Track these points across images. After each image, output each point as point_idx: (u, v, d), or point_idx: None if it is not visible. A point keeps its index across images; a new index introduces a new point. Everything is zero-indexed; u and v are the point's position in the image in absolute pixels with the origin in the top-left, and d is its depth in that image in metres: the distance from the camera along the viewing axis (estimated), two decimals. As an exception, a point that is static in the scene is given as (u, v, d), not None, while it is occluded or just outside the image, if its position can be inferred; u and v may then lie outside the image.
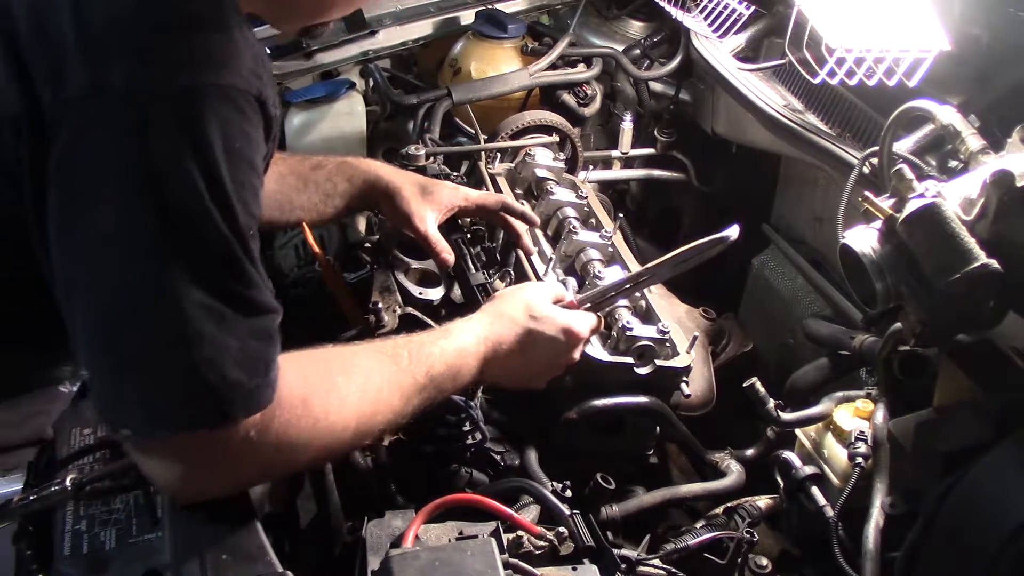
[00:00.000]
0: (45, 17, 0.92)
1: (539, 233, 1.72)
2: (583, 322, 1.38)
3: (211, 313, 0.93)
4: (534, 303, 1.35)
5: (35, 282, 1.00)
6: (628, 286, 1.44)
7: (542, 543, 1.10)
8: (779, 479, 1.45)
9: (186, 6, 0.93)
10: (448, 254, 1.58)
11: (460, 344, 1.25)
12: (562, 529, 1.12)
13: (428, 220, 1.58)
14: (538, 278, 1.58)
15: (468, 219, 1.75)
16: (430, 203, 1.60)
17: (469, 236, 1.70)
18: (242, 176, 0.95)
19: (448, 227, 1.71)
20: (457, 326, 1.28)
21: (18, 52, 0.92)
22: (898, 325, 1.33)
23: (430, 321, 1.55)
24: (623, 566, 1.17)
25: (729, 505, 1.46)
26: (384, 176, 1.61)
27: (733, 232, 1.36)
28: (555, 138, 2.08)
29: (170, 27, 0.92)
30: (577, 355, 1.38)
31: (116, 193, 0.91)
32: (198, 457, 0.98)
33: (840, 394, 1.48)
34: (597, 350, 1.44)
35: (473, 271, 1.63)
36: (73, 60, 0.90)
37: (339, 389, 1.08)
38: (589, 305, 1.43)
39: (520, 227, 1.66)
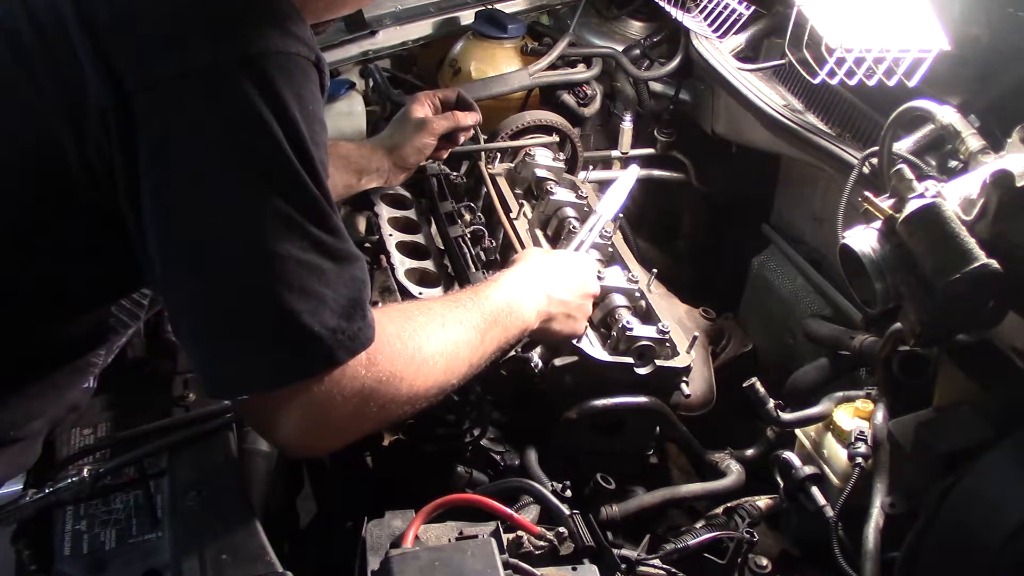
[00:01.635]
0: (122, 5, 0.97)
1: (539, 233, 1.72)
2: (589, 259, 1.57)
3: (309, 267, 0.99)
4: (547, 251, 1.53)
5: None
6: (592, 227, 1.63)
7: (542, 543, 1.10)
8: (779, 479, 1.45)
9: None
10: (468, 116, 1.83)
11: (514, 285, 1.34)
12: (562, 529, 1.12)
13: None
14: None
15: (468, 217, 1.76)
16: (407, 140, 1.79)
17: (469, 236, 1.70)
18: (317, 136, 1.02)
19: (447, 225, 1.72)
20: (506, 274, 1.37)
21: (100, 42, 0.97)
22: (898, 325, 1.34)
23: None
24: (623, 566, 1.17)
25: (729, 505, 1.46)
26: (377, 139, 1.82)
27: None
28: (555, 138, 2.08)
29: (233, 6, 0.99)
30: (589, 310, 1.47)
31: (211, 164, 0.98)
32: (316, 405, 1.03)
33: (840, 394, 1.48)
34: (597, 350, 1.44)
35: (473, 271, 1.63)
36: (155, 46, 0.96)
37: (425, 328, 1.15)
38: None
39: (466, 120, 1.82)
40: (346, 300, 1.02)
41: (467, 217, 1.77)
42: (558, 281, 1.40)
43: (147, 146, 0.97)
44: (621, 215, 1.83)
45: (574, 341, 1.43)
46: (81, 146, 0.99)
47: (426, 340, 1.14)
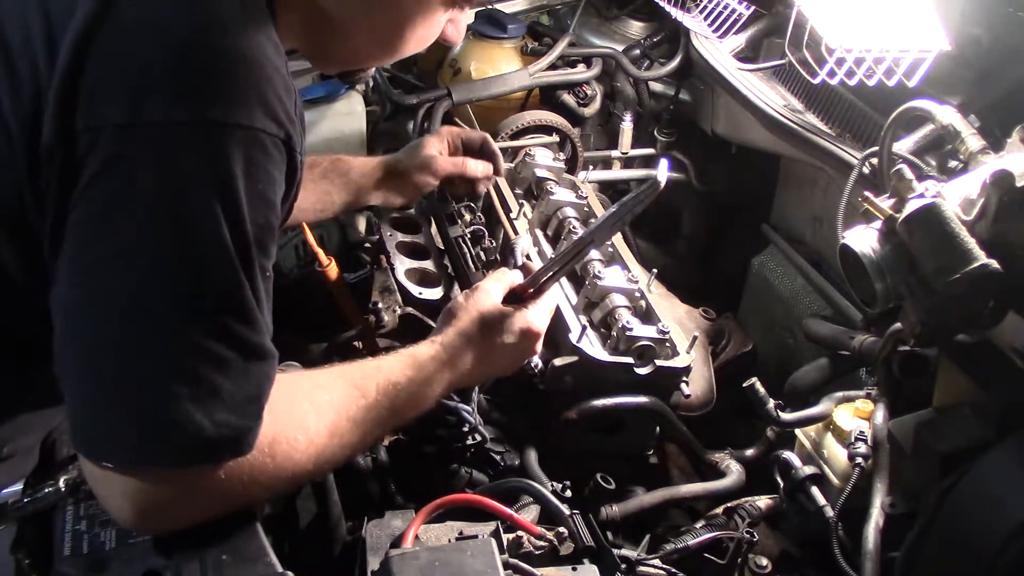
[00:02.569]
0: (87, 50, 0.92)
1: (539, 233, 1.72)
2: (539, 316, 1.34)
3: (210, 356, 0.93)
4: (486, 312, 1.30)
5: None
6: (572, 256, 1.38)
7: (542, 543, 1.10)
8: (779, 479, 1.45)
9: (227, 43, 0.94)
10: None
11: (425, 374, 1.22)
12: (562, 529, 1.12)
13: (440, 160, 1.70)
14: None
15: (468, 217, 1.76)
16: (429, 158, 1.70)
17: (469, 236, 1.71)
18: (262, 218, 0.96)
19: (447, 225, 1.72)
20: (420, 353, 1.24)
21: (64, 81, 0.93)
22: (898, 325, 1.34)
23: (430, 321, 1.55)
24: (623, 566, 1.17)
25: (729, 505, 1.46)
26: (383, 159, 1.71)
27: (662, 175, 1.27)
28: (555, 138, 2.08)
29: (206, 65, 0.93)
30: (539, 347, 1.36)
31: (137, 219, 0.92)
32: (171, 493, 0.97)
33: (840, 394, 1.48)
34: (597, 350, 1.44)
35: (473, 271, 1.63)
36: (112, 92, 0.91)
37: (307, 428, 1.06)
38: (546, 278, 1.36)
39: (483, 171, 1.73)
40: (243, 397, 0.95)
41: (467, 217, 1.78)
42: (482, 362, 1.28)
43: (80, 183, 0.92)
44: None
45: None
46: (34, 181, 0.95)
47: (304, 445, 1.04)
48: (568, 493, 1.26)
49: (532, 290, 1.36)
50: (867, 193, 1.18)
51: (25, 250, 1.00)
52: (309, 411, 1.07)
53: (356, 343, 1.65)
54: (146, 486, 0.95)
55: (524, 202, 1.80)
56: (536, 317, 1.34)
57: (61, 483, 1.08)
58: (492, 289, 1.34)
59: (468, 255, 1.65)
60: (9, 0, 1.02)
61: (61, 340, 0.96)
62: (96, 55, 0.92)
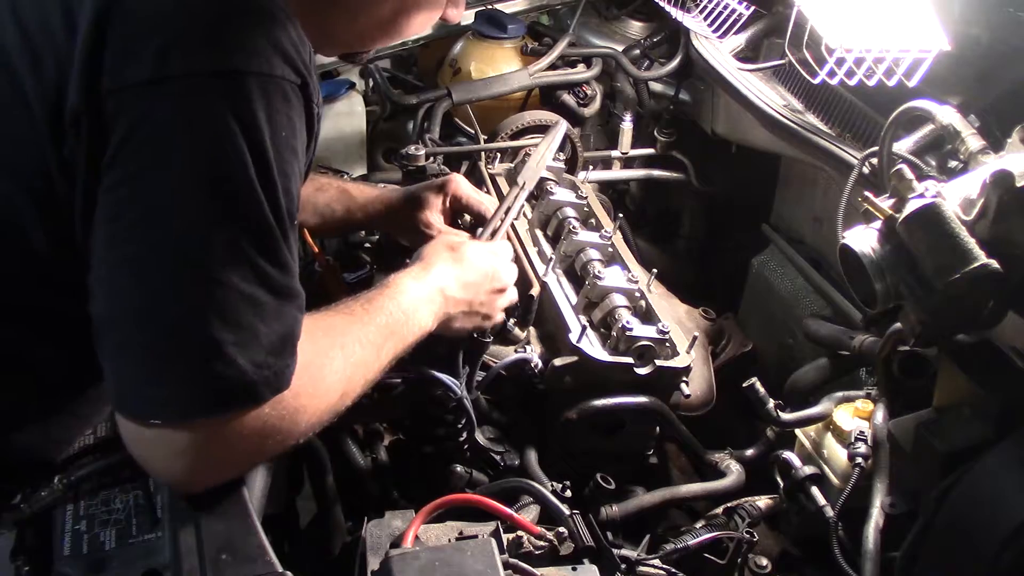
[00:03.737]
0: (108, 16, 0.94)
1: (539, 233, 1.72)
2: (500, 248, 1.48)
3: (249, 299, 0.96)
4: (454, 243, 1.43)
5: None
6: (513, 200, 1.57)
7: (542, 543, 1.10)
8: (779, 479, 1.45)
9: None
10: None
11: (409, 291, 1.29)
12: (562, 529, 1.12)
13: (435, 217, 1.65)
14: (537, 276, 1.58)
15: (468, 217, 1.76)
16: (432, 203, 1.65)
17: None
18: (287, 165, 0.99)
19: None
20: (400, 279, 1.31)
21: (84, 47, 0.95)
22: (898, 325, 1.33)
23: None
24: (623, 566, 1.17)
25: (729, 505, 1.46)
26: (363, 188, 1.69)
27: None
28: (555, 138, 2.08)
29: (224, 16, 0.95)
30: (510, 278, 1.45)
31: (169, 174, 0.95)
32: (220, 441, 0.99)
33: (840, 394, 1.48)
34: (597, 350, 1.44)
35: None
36: (134, 52, 0.94)
37: (327, 353, 1.11)
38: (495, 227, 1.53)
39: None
40: (278, 337, 0.99)
41: (467, 217, 1.77)
42: (456, 280, 1.35)
43: (110, 147, 0.94)
44: (621, 216, 1.83)
45: (485, 332, 1.42)
46: (59, 152, 0.97)
47: (328, 368, 1.10)
48: (568, 493, 1.26)
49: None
50: (867, 193, 1.18)
51: (52, 225, 1.02)
52: (324, 338, 1.12)
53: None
54: (197, 437, 0.98)
55: (526, 203, 1.80)
56: (497, 247, 1.47)
57: (56, 483, 1.08)
58: (443, 236, 1.48)
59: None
60: None
61: (103, 307, 0.98)
62: (116, 18, 0.94)
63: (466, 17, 2.37)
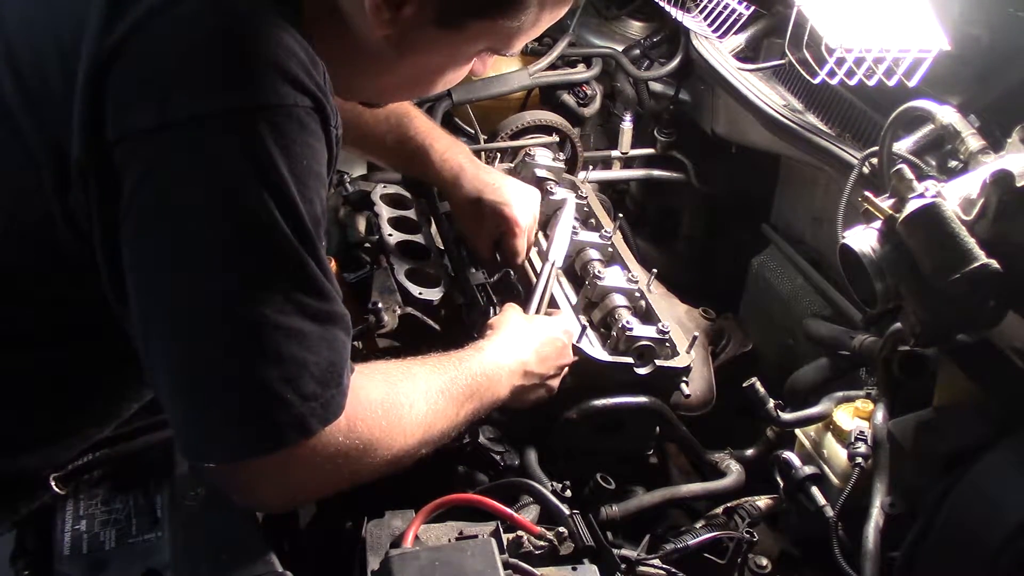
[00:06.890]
0: (107, 64, 0.92)
1: (539, 233, 1.72)
2: (568, 319, 1.49)
3: (289, 332, 0.94)
4: (523, 315, 1.45)
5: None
6: (548, 277, 1.56)
7: (542, 543, 1.10)
8: (779, 479, 1.45)
9: (241, 30, 0.93)
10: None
11: (493, 358, 1.30)
12: (562, 529, 1.12)
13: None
14: (537, 278, 1.58)
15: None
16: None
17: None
18: (311, 192, 0.96)
19: (447, 227, 1.71)
20: (486, 345, 1.32)
21: (91, 98, 0.93)
22: (898, 325, 1.34)
23: (430, 321, 1.55)
24: (623, 566, 1.17)
25: (729, 505, 1.46)
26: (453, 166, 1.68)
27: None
28: (555, 138, 2.08)
29: (224, 52, 0.92)
30: (570, 357, 1.43)
31: (188, 223, 0.93)
32: (289, 472, 1.00)
33: (840, 394, 1.48)
34: (597, 350, 1.44)
35: (473, 271, 1.63)
36: (136, 99, 0.92)
37: (408, 395, 1.12)
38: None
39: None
40: (327, 364, 0.98)
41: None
42: (536, 355, 1.36)
43: (124, 198, 0.93)
44: (621, 216, 1.83)
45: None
46: (63, 201, 0.96)
47: (407, 409, 1.11)
48: (568, 493, 1.26)
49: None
50: (867, 193, 1.18)
51: (49, 272, 1.03)
52: (404, 382, 1.13)
53: (356, 343, 1.64)
54: (253, 475, 0.99)
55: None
56: (567, 323, 1.47)
57: (52, 482, 1.08)
58: (513, 308, 1.46)
59: (468, 255, 1.65)
60: (15, 25, 1.02)
61: (148, 359, 0.98)
62: (114, 64, 0.92)
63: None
